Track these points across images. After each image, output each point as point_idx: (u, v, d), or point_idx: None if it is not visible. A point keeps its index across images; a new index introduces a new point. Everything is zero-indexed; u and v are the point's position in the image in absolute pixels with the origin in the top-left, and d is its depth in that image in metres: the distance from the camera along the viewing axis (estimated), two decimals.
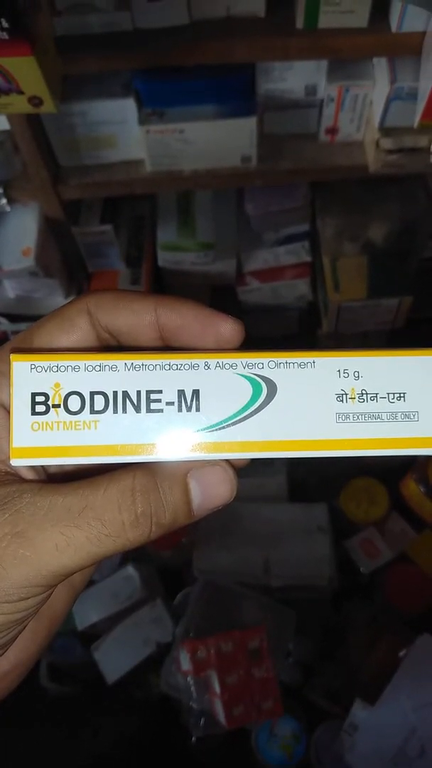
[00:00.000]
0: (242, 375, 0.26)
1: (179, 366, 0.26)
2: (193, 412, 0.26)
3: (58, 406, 0.26)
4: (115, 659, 0.94)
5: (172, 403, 0.26)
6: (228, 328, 0.27)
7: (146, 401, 0.26)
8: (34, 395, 0.26)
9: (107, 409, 0.26)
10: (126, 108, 0.86)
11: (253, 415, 0.26)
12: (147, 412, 0.26)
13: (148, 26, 0.77)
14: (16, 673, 0.29)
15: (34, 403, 0.26)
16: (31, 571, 0.24)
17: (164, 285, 1.17)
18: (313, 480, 1.09)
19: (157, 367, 0.26)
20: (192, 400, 0.26)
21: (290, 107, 0.91)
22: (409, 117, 0.85)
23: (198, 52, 0.79)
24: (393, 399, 0.26)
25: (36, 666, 0.95)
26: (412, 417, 0.26)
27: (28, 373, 0.26)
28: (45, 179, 0.90)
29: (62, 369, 0.26)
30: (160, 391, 0.26)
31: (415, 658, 0.87)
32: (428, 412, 0.26)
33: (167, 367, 0.26)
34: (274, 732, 0.90)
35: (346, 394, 0.26)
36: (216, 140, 0.89)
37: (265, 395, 0.26)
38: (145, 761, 0.95)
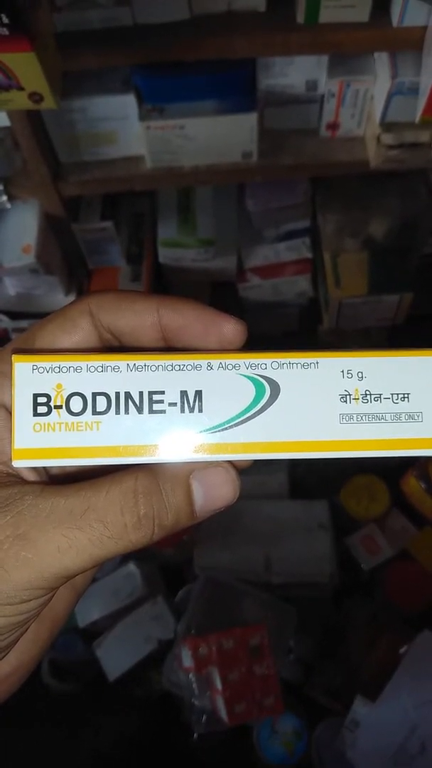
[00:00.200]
0: (245, 375, 0.26)
1: (182, 366, 0.26)
2: (196, 413, 0.26)
3: (60, 407, 0.25)
4: (116, 656, 0.94)
5: (174, 404, 0.26)
6: (230, 328, 0.27)
7: (148, 402, 0.26)
8: (35, 396, 0.25)
9: (109, 410, 0.25)
10: (126, 104, 0.86)
11: (256, 416, 0.26)
12: (149, 413, 0.26)
13: (148, 21, 0.77)
14: (17, 676, 0.29)
15: (35, 404, 0.25)
16: (32, 573, 0.24)
17: (165, 282, 1.17)
18: (313, 477, 1.09)
19: (160, 367, 0.26)
20: (194, 401, 0.26)
21: (291, 102, 0.90)
22: (411, 112, 0.84)
23: (198, 48, 0.78)
24: (397, 399, 0.26)
25: (38, 666, 0.95)
26: (416, 418, 0.26)
27: (29, 374, 0.25)
28: (45, 176, 0.90)
29: (64, 370, 0.26)
30: (163, 392, 0.26)
31: (416, 655, 0.87)
32: None
33: (169, 367, 0.26)
34: (276, 729, 0.90)
35: (349, 395, 0.26)
36: (216, 136, 0.89)
37: (268, 396, 0.26)
38: (146, 758, 0.95)
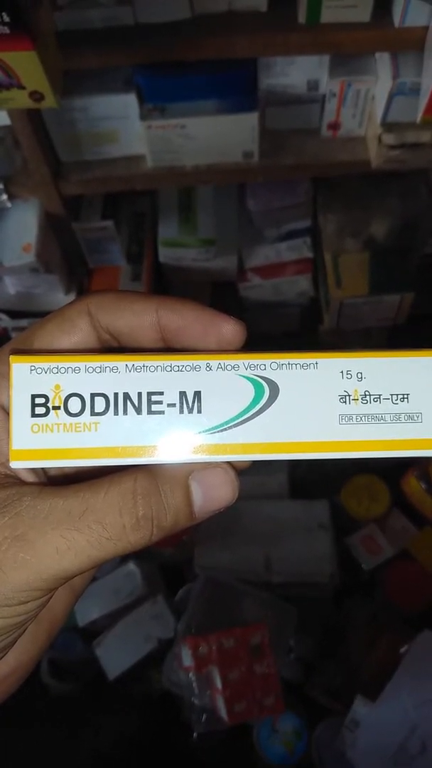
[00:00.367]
0: (244, 376, 0.26)
1: (180, 367, 0.26)
2: (195, 414, 0.26)
3: (59, 407, 0.25)
4: (116, 656, 0.94)
5: (173, 405, 0.26)
6: (230, 329, 0.27)
7: (147, 403, 0.26)
8: (34, 397, 0.25)
9: (108, 410, 0.25)
10: (127, 103, 0.86)
11: (255, 417, 0.26)
12: (148, 413, 0.26)
13: (149, 21, 0.77)
14: (15, 677, 0.29)
15: (34, 405, 0.25)
16: (31, 574, 0.24)
17: (165, 281, 1.17)
18: (313, 477, 1.09)
19: (159, 368, 0.26)
20: (193, 402, 0.26)
21: (292, 102, 0.90)
22: (412, 112, 0.84)
23: (199, 47, 0.78)
24: (396, 400, 0.26)
25: (37, 665, 0.95)
26: (416, 418, 0.26)
27: (27, 375, 0.25)
28: (46, 175, 0.90)
29: (62, 370, 0.25)
30: (162, 393, 0.26)
31: (416, 655, 0.87)
32: None
33: (168, 368, 0.26)
34: (276, 728, 0.90)
35: (349, 396, 0.26)
36: (217, 136, 0.89)
37: (267, 397, 0.26)
38: (146, 757, 0.95)
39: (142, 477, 0.25)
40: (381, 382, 0.26)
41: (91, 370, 0.25)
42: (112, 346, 0.28)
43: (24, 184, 0.92)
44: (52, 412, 0.25)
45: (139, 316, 0.27)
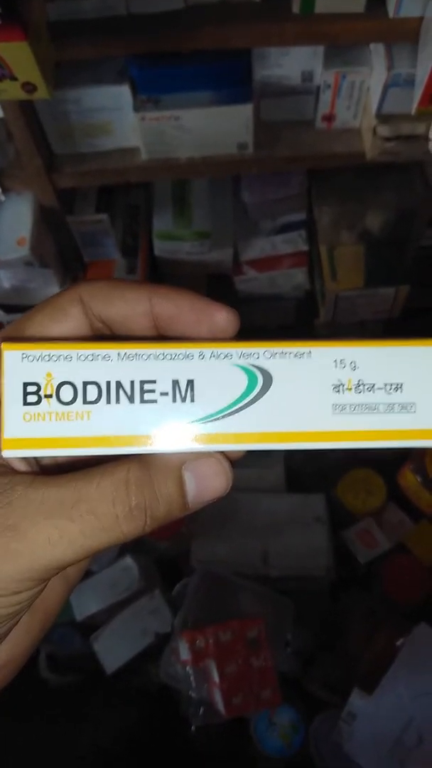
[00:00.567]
0: (237, 365, 0.26)
1: (173, 355, 0.25)
2: (188, 403, 0.25)
3: (50, 396, 0.25)
4: (114, 650, 0.94)
5: (166, 394, 0.25)
6: (223, 317, 0.27)
7: (140, 391, 0.25)
8: (25, 385, 0.25)
9: (100, 399, 0.25)
10: (121, 95, 0.86)
11: (248, 406, 0.26)
12: (141, 402, 0.25)
13: (142, 11, 0.76)
14: (9, 668, 0.29)
15: (25, 393, 0.25)
16: (23, 564, 0.24)
17: (160, 274, 1.17)
18: (310, 471, 1.09)
19: (151, 356, 0.25)
20: (186, 391, 0.25)
21: (287, 94, 0.90)
22: (407, 104, 0.84)
23: (193, 38, 0.78)
24: (390, 390, 0.26)
25: (35, 658, 0.95)
26: (409, 408, 0.26)
27: (19, 363, 0.25)
28: (39, 167, 0.90)
29: (54, 358, 0.25)
30: (154, 381, 0.25)
31: (413, 648, 0.87)
32: (426, 403, 0.26)
33: (161, 356, 0.25)
34: (273, 721, 0.91)
35: (342, 385, 0.26)
36: (212, 127, 0.89)
37: (260, 386, 0.26)
38: (144, 751, 0.95)
39: (134, 467, 0.25)
40: (375, 371, 0.26)
41: (83, 358, 0.25)
42: (105, 335, 0.28)
43: (17, 176, 0.92)
44: (44, 400, 0.25)
45: (131, 304, 0.27)
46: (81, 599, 0.97)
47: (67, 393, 0.25)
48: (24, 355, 0.25)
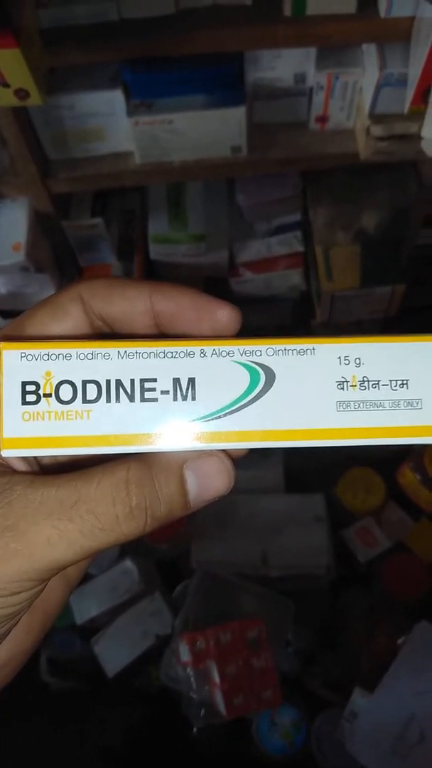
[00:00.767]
0: (239, 362, 0.25)
1: (174, 354, 0.25)
2: (189, 401, 0.25)
3: (50, 395, 0.25)
4: (114, 653, 0.94)
5: (167, 392, 0.25)
6: (225, 314, 0.27)
7: (140, 390, 0.25)
8: (24, 384, 0.25)
9: (100, 398, 0.25)
10: (114, 100, 0.86)
11: (250, 404, 0.25)
12: (141, 401, 0.25)
13: (133, 16, 0.76)
14: (9, 668, 0.29)
15: (24, 393, 0.25)
16: (23, 565, 0.24)
17: (157, 278, 1.17)
18: (309, 470, 1.09)
19: (152, 354, 0.25)
20: (188, 389, 0.25)
21: (280, 96, 0.90)
22: (400, 103, 0.84)
23: (185, 42, 0.78)
24: (395, 386, 0.26)
25: (36, 662, 0.95)
26: (415, 405, 0.26)
27: (18, 362, 0.25)
28: (34, 173, 0.90)
29: (53, 357, 0.25)
30: (155, 380, 0.25)
31: (414, 646, 0.87)
32: None
33: (162, 354, 0.25)
34: (275, 721, 0.91)
35: (346, 382, 0.26)
36: (205, 130, 0.89)
37: (263, 383, 0.25)
38: (147, 753, 0.95)
39: (135, 466, 0.25)
40: (380, 368, 0.26)
41: (82, 356, 0.25)
42: (105, 333, 0.28)
43: (12, 183, 0.92)
44: (43, 399, 0.25)
45: (132, 302, 0.27)
46: (81, 603, 0.97)
47: (66, 392, 0.25)
48: (23, 354, 0.25)
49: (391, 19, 0.76)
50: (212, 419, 0.25)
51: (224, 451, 0.26)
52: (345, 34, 0.79)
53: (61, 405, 0.25)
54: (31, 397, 0.25)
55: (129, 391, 0.25)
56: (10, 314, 1.05)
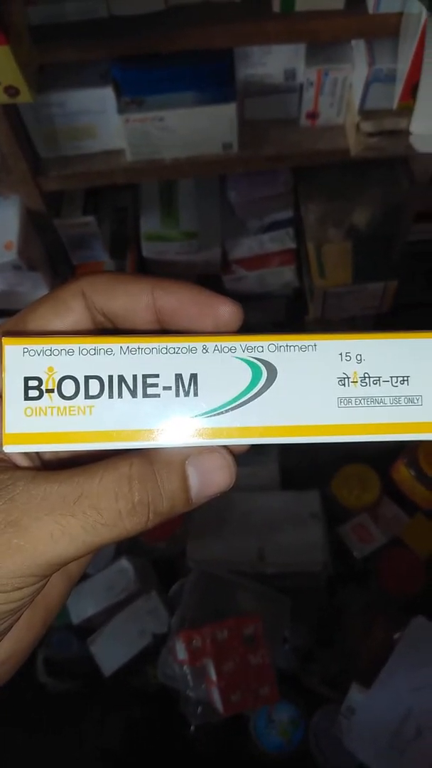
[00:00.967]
0: (241, 358, 0.25)
1: (176, 349, 0.25)
2: (191, 397, 0.25)
3: (52, 390, 0.25)
4: (111, 652, 0.94)
5: (169, 388, 0.25)
6: (227, 310, 0.27)
7: (142, 386, 0.25)
8: (27, 380, 0.25)
9: (102, 393, 0.25)
10: (105, 97, 0.85)
11: (252, 400, 0.25)
12: (143, 396, 0.25)
13: (124, 13, 0.76)
14: (10, 664, 0.29)
15: (27, 388, 0.25)
16: (25, 560, 0.24)
17: (152, 275, 1.17)
18: (304, 468, 1.09)
19: (154, 350, 0.25)
20: (190, 385, 0.25)
21: (270, 92, 0.90)
22: (389, 99, 0.84)
23: (175, 39, 0.78)
24: (396, 383, 0.26)
25: (32, 662, 0.95)
26: (416, 401, 0.26)
27: (20, 357, 0.25)
28: (25, 171, 0.89)
29: (56, 353, 0.25)
30: (157, 375, 0.25)
31: (410, 641, 0.88)
32: None
33: (164, 350, 0.25)
34: (272, 718, 0.91)
35: (348, 378, 0.26)
36: (196, 127, 0.89)
37: (264, 379, 0.25)
38: (144, 752, 0.95)
39: (137, 462, 0.25)
40: (381, 364, 0.26)
41: (85, 352, 0.25)
42: (107, 328, 0.28)
43: (3, 181, 0.91)
44: (45, 395, 0.25)
45: (134, 298, 0.27)
46: (77, 602, 0.97)
47: (68, 387, 0.25)
48: (25, 350, 0.25)
49: (380, 15, 0.76)
50: (214, 415, 0.25)
51: (226, 446, 0.27)
52: (334, 30, 0.79)
53: (63, 400, 0.25)
54: (33, 393, 0.25)
55: (131, 386, 0.25)
56: (3, 313, 1.05)
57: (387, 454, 1.05)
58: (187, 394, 0.25)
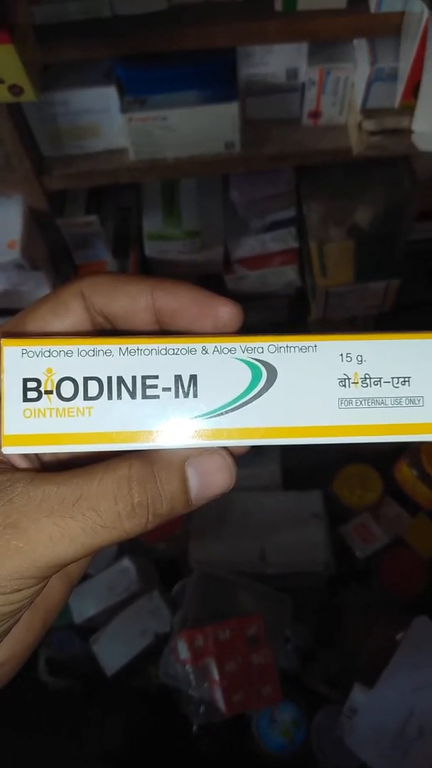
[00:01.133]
0: (241, 359, 0.25)
1: (176, 350, 0.25)
2: (191, 398, 0.25)
3: (51, 392, 0.25)
4: (113, 651, 0.94)
5: (168, 389, 0.25)
6: (227, 311, 0.26)
7: (142, 387, 0.25)
8: (25, 381, 0.25)
9: (101, 395, 0.25)
10: (108, 96, 0.85)
11: (252, 401, 0.25)
12: (143, 398, 0.25)
13: (127, 12, 0.76)
14: (10, 665, 0.29)
15: (25, 389, 0.25)
16: (24, 562, 0.24)
17: (152, 275, 1.17)
18: (306, 468, 1.09)
19: (153, 351, 0.25)
20: (189, 386, 0.25)
21: (272, 92, 0.90)
22: (391, 98, 0.84)
23: (178, 38, 0.78)
24: (397, 383, 0.26)
25: (34, 662, 0.95)
26: (417, 402, 0.26)
27: (19, 359, 0.25)
28: (28, 170, 0.89)
29: (55, 354, 0.25)
30: (156, 377, 0.25)
31: (412, 641, 0.88)
32: None
33: (163, 351, 0.25)
34: (275, 718, 0.91)
35: (348, 379, 0.26)
36: (199, 127, 0.89)
37: (264, 380, 0.25)
38: (146, 752, 0.95)
39: (137, 463, 0.25)
40: (382, 365, 0.26)
41: (84, 353, 0.25)
42: (106, 329, 0.28)
43: (6, 180, 0.91)
44: (44, 396, 0.25)
45: (133, 299, 0.26)
46: (79, 602, 0.97)
47: (67, 389, 0.25)
48: (24, 351, 0.25)
49: (381, 14, 0.76)
50: (214, 416, 0.25)
51: (226, 448, 0.26)
52: (336, 29, 0.79)
53: (62, 402, 0.25)
54: (32, 394, 0.25)
55: (130, 387, 0.25)
56: (6, 312, 1.05)
57: (389, 454, 1.05)
58: (186, 395, 0.25)
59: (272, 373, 0.25)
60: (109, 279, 0.27)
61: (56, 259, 1.06)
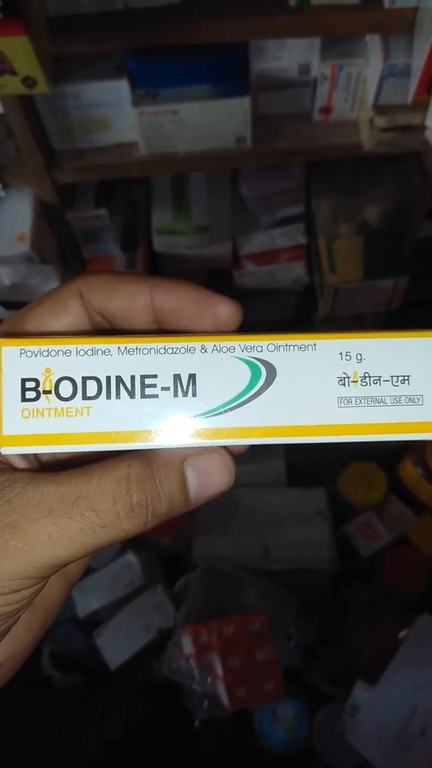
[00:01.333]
0: (240, 358, 0.25)
1: (175, 349, 0.25)
2: (190, 397, 0.25)
3: (49, 392, 0.25)
4: (117, 645, 0.94)
5: (167, 388, 0.25)
6: (225, 309, 0.26)
7: (140, 386, 0.25)
8: (24, 381, 0.25)
9: (100, 394, 0.25)
10: (119, 89, 0.85)
11: (251, 400, 0.25)
12: (141, 397, 0.25)
13: (139, 5, 0.76)
14: (10, 665, 0.29)
15: (24, 390, 0.25)
16: (23, 562, 0.24)
17: (160, 269, 1.17)
18: (310, 465, 1.09)
19: (152, 350, 0.25)
20: (188, 385, 0.25)
21: (284, 87, 0.89)
22: (403, 94, 0.84)
23: (190, 32, 0.78)
24: (397, 382, 0.25)
25: (38, 656, 0.95)
26: (416, 401, 0.25)
27: (17, 358, 0.25)
28: (39, 163, 0.89)
29: (53, 354, 0.25)
30: (155, 376, 0.25)
31: (415, 639, 0.87)
32: None
33: (162, 350, 0.25)
34: (277, 714, 0.91)
35: (348, 378, 0.25)
36: (210, 121, 0.88)
37: (264, 379, 0.25)
38: (149, 747, 0.95)
39: (136, 463, 0.25)
40: (381, 363, 0.25)
41: (82, 353, 0.25)
42: (105, 329, 0.28)
43: (17, 173, 0.92)
44: (42, 396, 0.25)
45: (132, 298, 0.26)
46: (83, 596, 0.97)
47: (66, 389, 0.25)
48: (22, 351, 0.25)
49: (395, 10, 0.76)
50: (213, 415, 0.25)
51: (225, 447, 0.26)
52: (349, 25, 0.78)
53: (60, 402, 0.25)
54: (30, 394, 0.25)
55: (129, 387, 0.25)
56: (14, 305, 1.05)
57: (394, 453, 1.05)
58: (185, 394, 0.25)
59: (271, 372, 0.25)
60: (108, 278, 0.27)
61: (65, 252, 1.06)
